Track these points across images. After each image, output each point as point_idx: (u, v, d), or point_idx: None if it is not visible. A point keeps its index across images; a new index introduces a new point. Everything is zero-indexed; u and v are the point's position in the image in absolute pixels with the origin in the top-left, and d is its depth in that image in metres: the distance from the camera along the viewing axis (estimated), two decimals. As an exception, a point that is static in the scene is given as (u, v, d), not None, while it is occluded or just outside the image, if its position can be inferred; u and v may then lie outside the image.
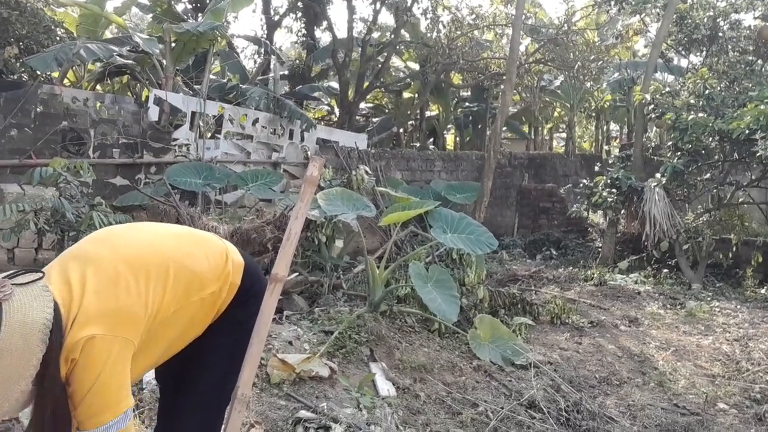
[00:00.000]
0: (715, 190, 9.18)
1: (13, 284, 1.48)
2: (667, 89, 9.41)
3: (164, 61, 8.82)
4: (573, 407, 3.90)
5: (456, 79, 16.27)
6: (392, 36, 14.08)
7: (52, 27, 8.75)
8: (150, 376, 3.25)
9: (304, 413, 3.37)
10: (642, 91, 9.62)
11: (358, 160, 9.85)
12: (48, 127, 7.23)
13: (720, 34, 10.38)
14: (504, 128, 12.62)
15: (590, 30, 14.80)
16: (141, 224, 2.08)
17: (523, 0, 10.11)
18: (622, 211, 9.51)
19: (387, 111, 17.02)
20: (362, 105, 15.81)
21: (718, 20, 10.38)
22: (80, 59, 7.84)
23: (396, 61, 16.53)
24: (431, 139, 17.17)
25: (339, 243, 6.80)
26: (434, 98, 15.63)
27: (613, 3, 11.12)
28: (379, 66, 14.10)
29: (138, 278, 1.66)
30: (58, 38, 8.73)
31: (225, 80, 11.47)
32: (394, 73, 16.49)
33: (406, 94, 16.26)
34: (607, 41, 14.96)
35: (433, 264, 6.21)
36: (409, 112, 15.63)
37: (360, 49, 13.56)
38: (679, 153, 8.75)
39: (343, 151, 9.87)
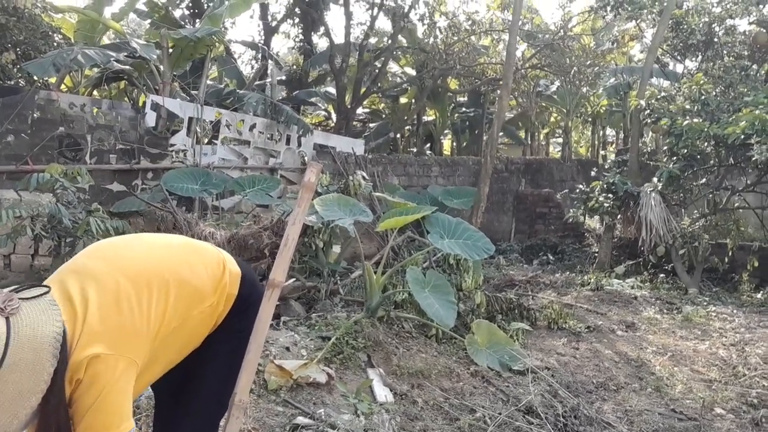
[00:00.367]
0: (710, 195, 9.21)
1: (20, 298, 1.45)
2: (663, 94, 9.42)
3: (161, 67, 8.84)
4: (570, 413, 3.90)
5: (453, 84, 16.31)
6: (389, 41, 14.14)
7: (50, 33, 8.77)
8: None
9: (301, 419, 3.36)
10: (638, 96, 9.66)
11: (355, 165, 9.87)
12: (45, 132, 7.22)
13: (715, 39, 10.44)
14: (501, 133, 12.65)
15: (586, 35, 14.86)
16: (139, 236, 2.06)
17: (519, 6, 10.14)
18: (619, 216, 9.52)
19: (384, 116, 17.06)
20: (359, 110, 15.88)
21: (713, 26, 10.45)
22: (77, 65, 7.83)
23: (393, 67, 16.58)
24: (428, 145, 17.21)
25: (336, 248, 6.80)
26: (431, 103, 15.67)
27: (609, 9, 11.17)
28: (376, 71, 14.15)
29: (140, 294, 1.64)
30: (55, 44, 8.74)
31: (222, 86, 11.51)
32: (391, 79, 16.53)
33: (403, 100, 16.30)
34: (603, 47, 15.01)
35: (430, 269, 6.19)
36: (406, 118, 15.66)
37: (357, 54, 13.61)
38: (674, 158, 8.79)
39: (340, 157, 9.89)
